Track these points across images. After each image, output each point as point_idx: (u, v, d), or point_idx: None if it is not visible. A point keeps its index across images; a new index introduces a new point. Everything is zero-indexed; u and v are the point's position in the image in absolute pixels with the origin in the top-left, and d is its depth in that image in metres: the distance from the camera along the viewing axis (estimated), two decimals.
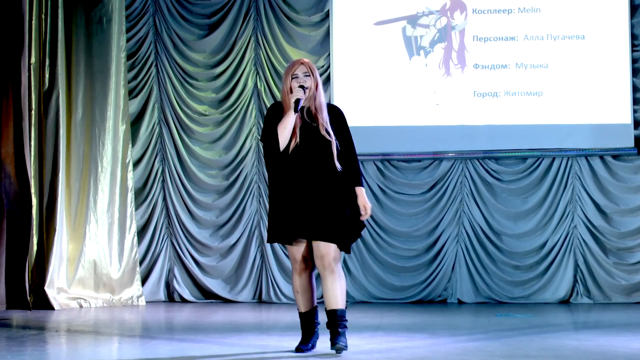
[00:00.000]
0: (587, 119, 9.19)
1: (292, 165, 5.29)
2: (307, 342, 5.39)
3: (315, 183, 5.27)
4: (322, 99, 5.38)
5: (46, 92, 8.66)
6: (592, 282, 9.12)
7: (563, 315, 7.95)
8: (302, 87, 5.28)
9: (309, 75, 5.33)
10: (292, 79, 5.33)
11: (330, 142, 5.29)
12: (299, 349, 5.35)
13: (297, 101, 5.25)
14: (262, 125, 9.55)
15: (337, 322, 5.26)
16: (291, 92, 5.30)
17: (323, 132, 5.29)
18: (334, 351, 5.21)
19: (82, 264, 8.76)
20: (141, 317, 7.93)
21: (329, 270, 5.26)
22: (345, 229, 5.28)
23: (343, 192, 5.32)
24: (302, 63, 5.37)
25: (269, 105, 9.52)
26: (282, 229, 5.28)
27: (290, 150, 5.28)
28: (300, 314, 5.43)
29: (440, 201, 9.36)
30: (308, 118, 5.33)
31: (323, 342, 5.54)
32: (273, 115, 5.35)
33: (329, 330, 5.31)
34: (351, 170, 5.37)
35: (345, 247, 5.30)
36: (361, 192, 5.35)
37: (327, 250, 5.24)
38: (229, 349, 5.59)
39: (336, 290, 5.26)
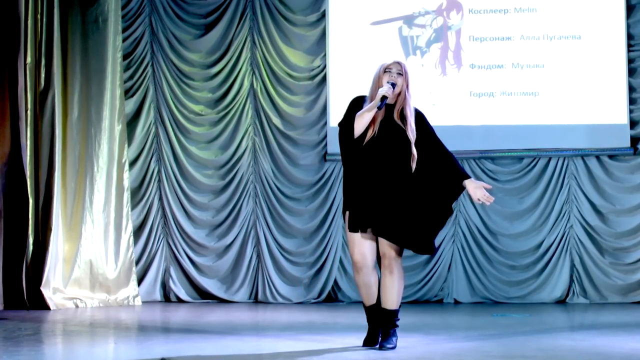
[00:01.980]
0: (583, 119, 9.20)
1: (365, 156, 5.35)
2: (375, 337, 5.48)
3: (386, 179, 5.34)
4: (410, 101, 5.45)
5: (42, 92, 8.64)
6: (588, 282, 9.13)
7: (559, 315, 7.95)
8: (392, 84, 5.34)
9: (401, 75, 5.40)
10: (385, 72, 5.40)
11: (410, 143, 5.35)
12: (366, 344, 5.47)
13: (383, 98, 5.29)
14: (258, 126, 9.58)
15: (387, 322, 5.41)
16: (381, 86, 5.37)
17: (408, 132, 5.36)
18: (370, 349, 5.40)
19: (78, 264, 8.74)
20: (137, 317, 7.92)
21: (388, 270, 5.37)
22: (413, 232, 5.32)
23: (416, 193, 5.34)
24: (398, 62, 5.44)
25: (265, 106, 9.55)
26: (355, 217, 5.35)
27: (365, 141, 5.35)
28: (365, 308, 5.54)
29: None
30: (394, 117, 5.39)
31: (316, 339, 5.54)
32: (356, 107, 5.42)
33: (380, 327, 5.46)
34: (452, 167, 5.39)
35: (414, 249, 5.40)
36: (471, 183, 5.35)
37: (388, 250, 5.34)
38: (225, 349, 5.59)
39: (393, 290, 5.39)
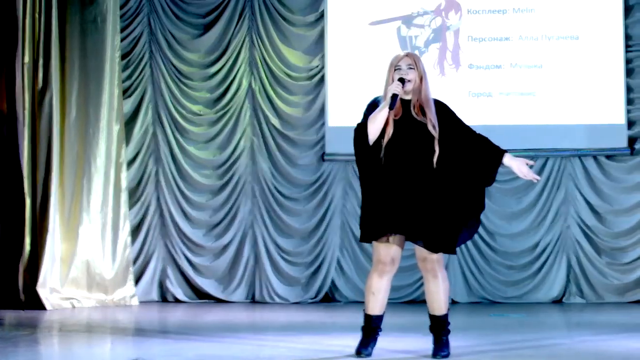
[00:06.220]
0: (580, 119, 9.20)
1: (387, 160, 5.03)
2: (367, 346, 5.13)
3: (412, 181, 5.00)
4: (429, 93, 5.14)
5: (40, 92, 8.64)
6: (585, 282, 9.13)
7: (556, 315, 7.96)
8: (401, 80, 5.02)
9: (413, 68, 5.10)
10: (394, 70, 5.09)
11: (434, 138, 5.06)
12: (359, 352, 5.10)
13: (394, 96, 4.98)
14: (256, 126, 9.58)
15: (439, 329, 5.18)
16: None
17: (430, 127, 5.06)
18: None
19: (75, 264, 8.74)
20: (134, 317, 7.92)
21: (432, 274, 5.12)
22: (449, 231, 5.02)
23: (446, 190, 5.04)
24: (406, 55, 5.15)
25: (263, 106, 9.55)
26: (375, 224, 5.02)
27: (384, 145, 5.03)
28: (367, 316, 5.16)
29: None
30: (412, 113, 5.09)
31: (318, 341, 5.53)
32: (372, 110, 5.10)
33: (432, 334, 5.23)
34: (487, 146, 5.13)
35: (450, 250, 5.07)
36: (509, 158, 5.11)
37: (429, 253, 5.07)
38: (222, 349, 5.59)
39: (440, 295, 5.14)
